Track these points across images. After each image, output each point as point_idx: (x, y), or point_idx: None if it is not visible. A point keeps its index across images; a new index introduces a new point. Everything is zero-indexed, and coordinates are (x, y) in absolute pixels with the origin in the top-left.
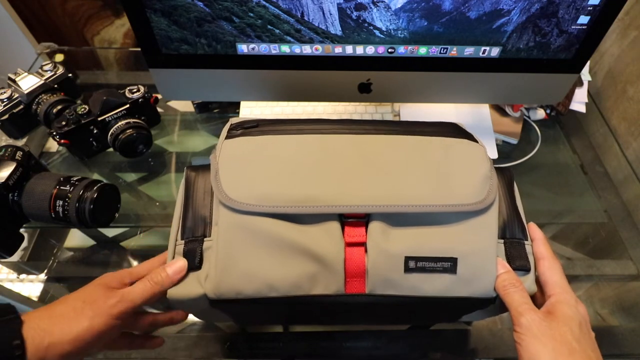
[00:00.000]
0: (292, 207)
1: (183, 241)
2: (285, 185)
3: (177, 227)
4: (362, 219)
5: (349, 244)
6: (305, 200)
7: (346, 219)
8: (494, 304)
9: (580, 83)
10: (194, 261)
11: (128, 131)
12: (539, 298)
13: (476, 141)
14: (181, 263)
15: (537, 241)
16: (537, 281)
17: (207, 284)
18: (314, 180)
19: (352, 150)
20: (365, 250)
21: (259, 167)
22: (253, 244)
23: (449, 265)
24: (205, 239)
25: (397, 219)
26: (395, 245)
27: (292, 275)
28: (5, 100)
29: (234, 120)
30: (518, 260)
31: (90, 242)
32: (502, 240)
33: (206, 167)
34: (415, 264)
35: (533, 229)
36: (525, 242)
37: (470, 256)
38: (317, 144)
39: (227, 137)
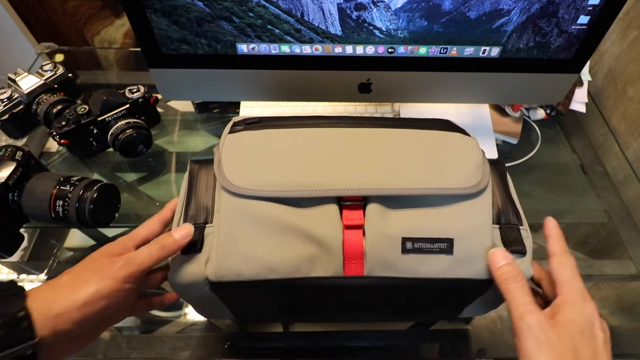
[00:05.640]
0: (291, 192)
1: None
2: (285, 171)
3: (179, 216)
4: (360, 202)
5: (347, 227)
6: (304, 185)
7: (344, 202)
8: (492, 289)
9: (580, 83)
10: (195, 246)
11: (128, 131)
12: (550, 293)
13: (468, 135)
14: (188, 228)
15: (550, 238)
16: (550, 278)
17: (208, 267)
18: (313, 167)
19: (351, 140)
20: (363, 233)
21: (260, 156)
22: (253, 228)
23: (445, 246)
24: (207, 226)
25: (394, 201)
26: (392, 227)
27: (292, 258)
28: (5, 100)
29: (236, 119)
30: (514, 244)
31: (90, 242)
32: (497, 226)
33: (209, 161)
34: (412, 245)
35: (548, 226)
36: (520, 227)
37: (466, 237)
38: (317, 135)
39: (230, 132)
